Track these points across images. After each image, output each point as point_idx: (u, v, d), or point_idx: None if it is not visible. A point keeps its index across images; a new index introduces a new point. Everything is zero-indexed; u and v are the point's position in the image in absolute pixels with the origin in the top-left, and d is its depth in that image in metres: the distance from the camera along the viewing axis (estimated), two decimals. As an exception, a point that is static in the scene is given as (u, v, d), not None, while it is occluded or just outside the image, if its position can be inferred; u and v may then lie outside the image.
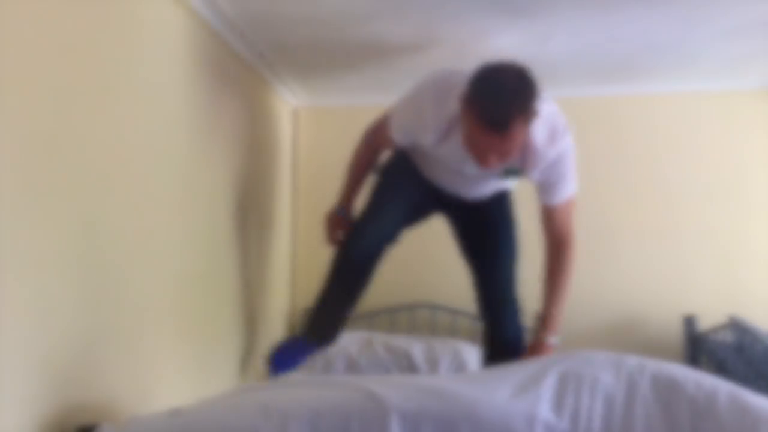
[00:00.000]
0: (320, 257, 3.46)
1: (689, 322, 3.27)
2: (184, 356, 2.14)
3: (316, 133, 3.73)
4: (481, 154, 1.82)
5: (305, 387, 1.37)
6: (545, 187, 2.08)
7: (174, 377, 2.06)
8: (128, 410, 1.74)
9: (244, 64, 2.71)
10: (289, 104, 3.61)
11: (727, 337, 2.94)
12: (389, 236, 2.36)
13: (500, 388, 1.27)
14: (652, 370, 1.31)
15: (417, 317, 3.51)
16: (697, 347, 3.21)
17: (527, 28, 2.44)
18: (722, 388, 1.31)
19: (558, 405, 1.24)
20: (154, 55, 1.93)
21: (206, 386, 2.31)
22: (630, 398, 1.26)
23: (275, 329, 3.32)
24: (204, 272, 2.30)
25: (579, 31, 2.48)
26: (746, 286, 3.46)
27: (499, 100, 1.70)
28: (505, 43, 2.62)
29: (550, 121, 1.94)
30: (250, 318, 2.81)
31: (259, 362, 2.96)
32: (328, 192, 3.66)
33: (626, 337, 3.50)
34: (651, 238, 3.53)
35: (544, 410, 1.22)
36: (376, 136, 2.33)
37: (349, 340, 3.10)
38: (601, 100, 3.56)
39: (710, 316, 3.26)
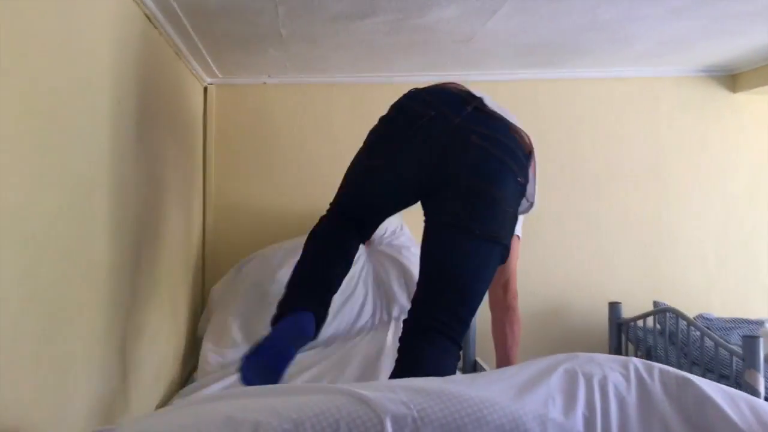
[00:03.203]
0: (231, 240, 3.26)
1: (613, 308, 3.25)
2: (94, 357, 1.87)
3: (230, 112, 3.46)
4: None
5: (278, 394, 1.15)
6: None
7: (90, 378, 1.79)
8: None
9: (159, 32, 2.42)
10: (202, 81, 3.33)
11: (652, 322, 2.94)
12: None
13: (503, 389, 1.12)
14: (660, 369, 1.21)
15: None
16: (623, 333, 3.21)
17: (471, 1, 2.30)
18: (723, 387, 1.21)
19: (568, 405, 1.11)
20: (64, 20, 1.62)
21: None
22: (643, 397, 1.14)
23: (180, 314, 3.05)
24: (109, 258, 1.98)
25: (525, 6, 2.36)
26: (667, 272, 3.50)
27: None
28: (445, 16, 2.47)
29: None
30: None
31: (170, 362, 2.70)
32: (241, 174, 3.45)
33: (552, 325, 3.47)
34: (575, 225, 3.51)
35: (555, 411, 1.08)
36: None
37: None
38: (526, 84, 3.49)
39: (634, 303, 3.27)
